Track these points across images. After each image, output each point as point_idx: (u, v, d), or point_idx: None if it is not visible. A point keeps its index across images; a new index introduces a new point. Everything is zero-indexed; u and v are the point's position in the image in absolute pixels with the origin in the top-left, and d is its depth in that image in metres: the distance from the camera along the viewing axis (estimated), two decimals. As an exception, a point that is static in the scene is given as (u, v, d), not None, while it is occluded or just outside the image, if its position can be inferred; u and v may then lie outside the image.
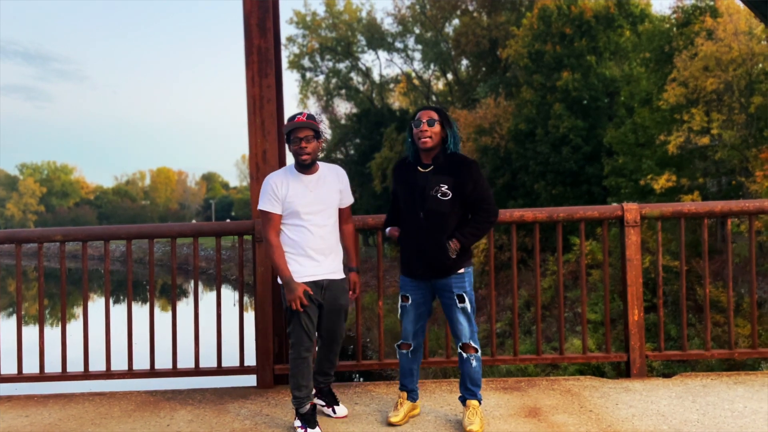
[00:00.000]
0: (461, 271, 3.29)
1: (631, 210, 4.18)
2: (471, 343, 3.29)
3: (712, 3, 19.50)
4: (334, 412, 3.51)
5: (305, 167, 3.32)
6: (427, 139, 3.19)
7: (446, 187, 3.18)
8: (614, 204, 4.42)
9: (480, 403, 3.33)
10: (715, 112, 17.86)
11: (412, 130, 3.27)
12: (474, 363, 3.30)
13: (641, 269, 4.20)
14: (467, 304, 3.28)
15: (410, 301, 3.38)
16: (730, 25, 17.78)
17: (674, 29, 20.32)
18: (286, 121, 3.34)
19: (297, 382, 3.28)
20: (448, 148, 3.27)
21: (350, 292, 3.50)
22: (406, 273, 3.37)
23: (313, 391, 3.46)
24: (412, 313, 3.39)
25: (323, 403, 3.56)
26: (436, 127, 3.21)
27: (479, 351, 3.32)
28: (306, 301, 3.24)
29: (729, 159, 17.83)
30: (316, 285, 3.33)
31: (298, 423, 3.28)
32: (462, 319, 3.29)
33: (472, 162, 3.26)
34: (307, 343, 3.29)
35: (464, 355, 3.30)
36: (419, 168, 3.28)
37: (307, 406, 3.28)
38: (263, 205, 3.32)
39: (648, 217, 4.24)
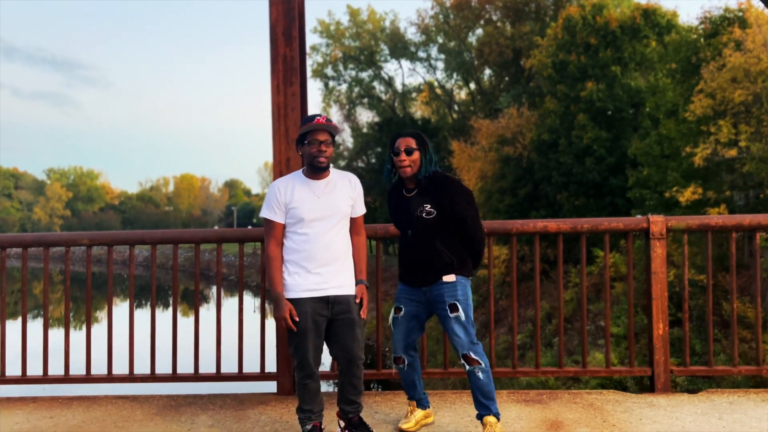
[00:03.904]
0: (452, 279, 3.23)
1: (657, 222, 4.12)
2: (471, 354, 3.16)
3: (740, 14, 19.24)
4: None
5: (319, 171, 3.17)
6: (407, 168, 3.27)
7: (429, 206, 3.24)
8: (639, 216, 4.37)
9: (498, 419, 3.19)
10: (743, 124, 17.58)
11: (392, 158, 3.33)
12: (480, 375, 3.16)
13: (666, 283, 4.13)
14: (461, 313, 3.20)
15: (402, 313, 3.36)
16: (759, 36, 17.52)
17: (701, 40, 20.08)
18: (301, 122, 3.22)
19: (299, 405, 3.22)
20: (422, 172, 3.29)
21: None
22: (403, 280, 3.40)
23: (340, 422, 3.31)
24: (403, 326, 3.36)
25: None
26: (414, 155, 3.26)
27: (484, 363, 3.16)
28: (292, 324, 3.07)
29: (757, 172, 17.50)
30: (320, 300, 3.12)
31: None
32: (457, 330, 3.20)
33: (453, 181, 3.30)
34: (308, 369, 3.13)
35: (467, 366, 3.18)
36: (404, 192, 3.36)
37: (309, 426, 3.20)
38: (264, 212, 3.19)
39: (674, 229, 4.18)
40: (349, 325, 3.15)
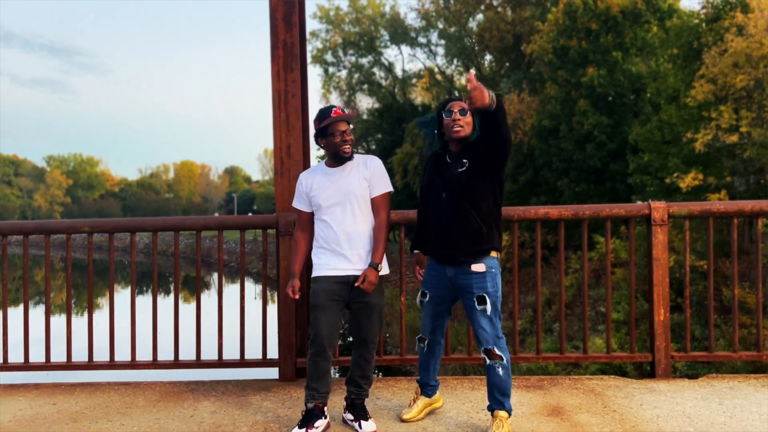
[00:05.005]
0: (482, 269, 3.12)
1: (659, 208, 4.12)
2: (495, 349, 3.09)
3: (743, -2, 19.09)
4: (360, 427, 3.23)
5: (345, 160, 3.26)
6: (460, 129, 3.12)
7: (466, 161, 3.11)
8: (640, 202, 4.36)
9: (510, 414, 3.14)
10: (744, 109, 17.50)
11: (442, 121, 3.22)
12: (500, 371, 3.07)
13: (668, 269, 4.13)
14: (488, 306, 3.08)
15: (428, 298, 3.31)
16: (761, 21, 17.38)
17: (703, 25, 19.92)
18: (318, 116, 3.25)
19: (307, 382, 3.21)
20: (472, 137, 3.16)
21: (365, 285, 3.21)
22: (431, 253, 3.27)
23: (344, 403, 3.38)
24: (429, 310, 3.33)
25: (351, 418, 3.31)
26: (468, 117, 3.14)
27: (506, 359, 3.08)
28: (292, 294, 3.26)
29: (758, 157, 17.43)
30: (340, 281, 3.19)
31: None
32: (483, 323, 3.09)
33: None
34: (318, 346, 3.14)
35: (488, 360, 3.10)
36: (447, 158, 3.22)
37: (311, 405, 3.19)
38: (294, 202, 3.45)
39: (675, 216, 4.17)
40: (365, 309, 3.24)
